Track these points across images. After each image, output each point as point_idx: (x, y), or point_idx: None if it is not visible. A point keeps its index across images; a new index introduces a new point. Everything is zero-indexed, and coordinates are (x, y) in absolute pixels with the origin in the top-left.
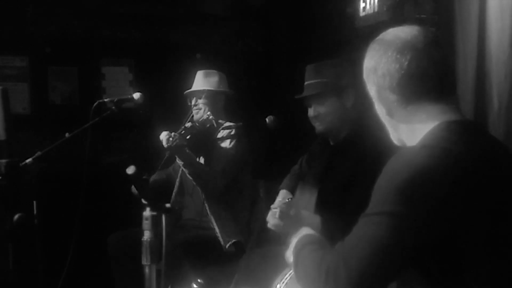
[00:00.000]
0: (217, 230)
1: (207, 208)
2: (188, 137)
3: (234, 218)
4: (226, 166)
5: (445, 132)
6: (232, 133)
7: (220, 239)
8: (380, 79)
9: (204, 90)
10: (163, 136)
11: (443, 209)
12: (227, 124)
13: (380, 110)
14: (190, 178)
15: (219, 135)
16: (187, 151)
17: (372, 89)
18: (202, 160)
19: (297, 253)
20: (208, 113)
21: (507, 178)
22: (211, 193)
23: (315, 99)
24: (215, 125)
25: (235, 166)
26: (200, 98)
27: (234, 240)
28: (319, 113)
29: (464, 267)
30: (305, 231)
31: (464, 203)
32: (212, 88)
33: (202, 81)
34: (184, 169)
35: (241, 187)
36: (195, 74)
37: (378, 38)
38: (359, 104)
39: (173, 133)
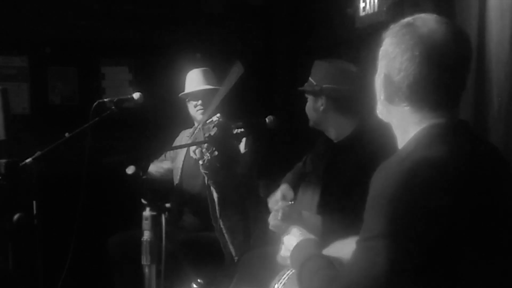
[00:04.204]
0: (229, 241)
1: (219, 214)
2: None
3: (245, 224)
4: (248, 170)
5: (429, 137)
6: (243, 136)
7: (232, 250)
8: (393, 70)
9: (207, 89)
10: (198, 152)
11: (432, 220)
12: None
13: (379, 88)
14: (213, 187)
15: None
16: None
17: (381, 71)
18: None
19: (301, 266)
20: (218, 115)
21: (494, 179)
22: (229, 201)
23: (306, 94)
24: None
25: (253, 172)
26: (200, 99)
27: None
28: (306, 108)
29: (458, 275)
30: (304, 235)
31: (451, 211)
32: (214, 86)
33: (202, 80)
34: (208, 180)
35: (251, 190)
36: (187, 74)
37: (411, 22)
38: (333, 109)
39: (205, 145)
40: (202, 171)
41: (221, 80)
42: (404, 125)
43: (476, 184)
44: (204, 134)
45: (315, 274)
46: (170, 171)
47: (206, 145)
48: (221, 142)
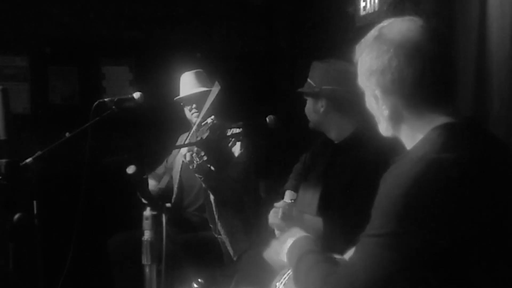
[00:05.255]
0: (227, 241)
1: (217, 217)
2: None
3: (243, 223)
4: (242, 174)
5: (442, 138)
6: (240, 137)
7: (230, 250)
8: (388, 83)
9: (200, 92)
10: (188, 156)
11: (444, 223)
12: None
13: (378, 108)
14: (208, 190)
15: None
16: (208, 166)
17: (374, 90)
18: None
19: (297, 261)
20: (212, 117)
21: (506, 179)
22: (226, 202)
23: (305, 96)
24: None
25: (249, 172)
26: (194, 103)
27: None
28: (306, 110)
29: (468, 278)
30: (299, 232)
31: (464, 214)
32: (206, 88)
33: (195, 83)
34: (203, 184)
35: (250, 189)
36: (180, 77)
37: (380, 33)
38: (333, 110)
39: (195, 149)
40: (196, 175)
41: (216, 80)
42: (412, 132)
43: (490, 188)
44: (196, 137)
45: (311, 268)
46: (170, 184)
47: (196, 149)
48: (212, 146)
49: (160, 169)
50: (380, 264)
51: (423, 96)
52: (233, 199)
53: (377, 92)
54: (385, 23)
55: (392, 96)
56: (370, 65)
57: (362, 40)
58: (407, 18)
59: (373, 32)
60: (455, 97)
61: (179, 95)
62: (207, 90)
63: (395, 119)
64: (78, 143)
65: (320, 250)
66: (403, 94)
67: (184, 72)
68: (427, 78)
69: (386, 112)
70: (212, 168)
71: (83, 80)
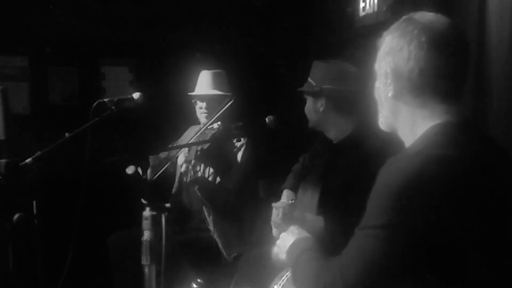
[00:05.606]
0: (219, 243)
1: (211, 219)
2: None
3: (237, 227)
4: (238, 182)
5: (440, 135)
6: (242, 142)
7: (223, 251)
8: (401, 61)
9: (215, 95)
10: (183, 167)
11: (438, 218)
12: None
13: (385, 89)
14: (201, 197)
15: (229, 144)
16: (202, 179)
17: (386, 67)
18: (210, 171)
19: (295, 259)
20: (219, 123)
21: (502, 181)
22: (220, 209)
23: (305, 95)
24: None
25: (246, 179)
26: (206, 101)
27: (236, 254)
28: (306, 109)
29: (463, 275)
30: (301, 234)
31: (459, 210)
32: (222, 93)
33: (211, 83)
34: (197, 191)
35: (247, 196)
36: (199, 73)
37: (410, 17)
38: (333, 110)
39: (192, 162)
40: (191, 186)
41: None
42: (412, 122)
43: (484, 186)
44: (199, 140)
45: (306, 266)
46: (167, 161)
47: (193, 162)
48: (209, 159)
49: (163, 154)
50: (371, 255)
51: (430, 85)
52: (226, 208)
53: (389, 70)
54: (420, 12)
55: (401, 77)
56: (391, 44)
57: (391, 26)
58: (440, 14)
59: (404, 16)
60: (460, 97)
61: (187, 91)
62: (220, 94)
63: (398, 101)
64: (78, 143)
65: (316, 249)
66: (413, 77)
67: (188, 70)
68: (440, 69)
69: (391, 93)
70: (210, 177)
71: (83, 80)
